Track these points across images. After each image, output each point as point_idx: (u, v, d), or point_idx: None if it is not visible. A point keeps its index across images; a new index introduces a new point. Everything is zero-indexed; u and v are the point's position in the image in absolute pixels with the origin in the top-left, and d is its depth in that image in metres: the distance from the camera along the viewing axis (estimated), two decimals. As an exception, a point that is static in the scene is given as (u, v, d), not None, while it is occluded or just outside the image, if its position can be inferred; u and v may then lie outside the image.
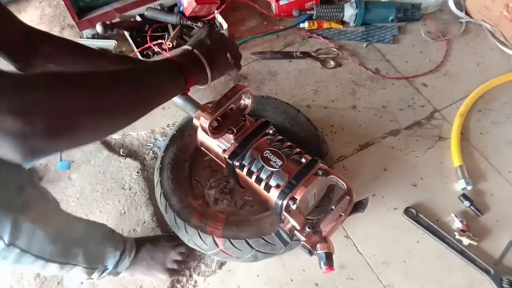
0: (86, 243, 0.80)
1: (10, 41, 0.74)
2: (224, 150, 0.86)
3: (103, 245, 0.85)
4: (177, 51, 0.73)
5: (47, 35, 0.80)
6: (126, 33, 1.34)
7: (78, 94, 0.48)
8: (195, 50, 0.71)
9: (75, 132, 0.48)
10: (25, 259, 0.67)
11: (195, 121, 0.85)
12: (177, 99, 0.89)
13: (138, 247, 0.94)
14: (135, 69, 0.61)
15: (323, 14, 1.43)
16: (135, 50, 1.29)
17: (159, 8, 1.39)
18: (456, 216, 1.02)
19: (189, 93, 0.97)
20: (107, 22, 1.33)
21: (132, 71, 0.60)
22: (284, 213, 0.78)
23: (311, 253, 0.73)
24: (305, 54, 1.37)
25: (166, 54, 1.26)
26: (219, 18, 1.37)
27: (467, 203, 1.03)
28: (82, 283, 0.98)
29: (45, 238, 0.68)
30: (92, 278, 0.85)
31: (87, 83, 0.50)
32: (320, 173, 0.80)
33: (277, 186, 0.79)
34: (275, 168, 0.81)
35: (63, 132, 0.46)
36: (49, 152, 0.47)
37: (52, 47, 0.78)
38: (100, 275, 0.86)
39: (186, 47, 0.72)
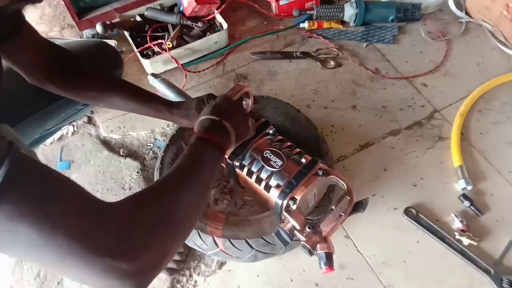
0: None
1: (30, 62, 0.75)
2: (224, 150, 0.85)
3: None
4: (203, 121, 0.70)
5: (67, 59, 0.79)
6: (126, 33, 1.34)
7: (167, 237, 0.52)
8: (224, 122, 0.69)
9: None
10: None
11: (195, 121, 0.85)
12: (160, 87, 0.88)
13: None
14: (186, 175, 0.59)
15: (323, 14, 1.43)
16: (135, 50, 1.29)
17: (159, 8, 1.39)
18: (456, 216, 1.02)
19: (189, 92, 0.96)
20: (107, 22, 1.32)
21: (186, 180, 0.59)
22: (284, 213, 0.78)
23: (311, 253, 0.73)
24: (305, 54, 1.37)
25: (167, 55, 1.26)
26: (219, 18, 1.37)
27: (467, 203, 1.03)
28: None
29: None
30: None
31: (167, 229, 0.52)
32: (320, 173, 0.80)
33: (277, 186, 0.79)
34: (275, 168, 0.81)
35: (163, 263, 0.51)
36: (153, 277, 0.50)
37: (67, 75, 0.79)
38: None
39: (211, 117, 0.69)
